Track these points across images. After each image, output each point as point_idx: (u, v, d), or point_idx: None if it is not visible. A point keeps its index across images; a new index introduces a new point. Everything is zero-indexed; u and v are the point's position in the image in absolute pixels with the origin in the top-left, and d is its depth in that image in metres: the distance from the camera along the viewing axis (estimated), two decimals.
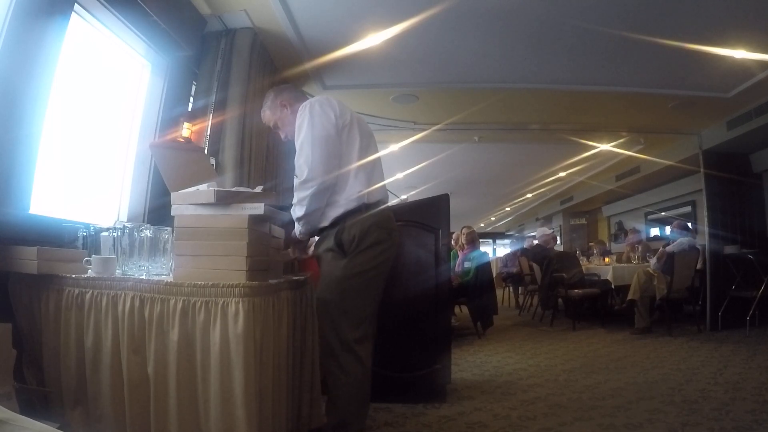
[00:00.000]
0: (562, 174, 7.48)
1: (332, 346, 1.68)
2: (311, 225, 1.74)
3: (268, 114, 1.93)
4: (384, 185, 1.89)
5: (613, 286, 5.22)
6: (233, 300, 1.31)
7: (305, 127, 1.67)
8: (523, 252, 7.45)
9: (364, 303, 1.72)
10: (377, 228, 1.71)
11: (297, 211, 1.71)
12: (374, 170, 1.88)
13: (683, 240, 4.90)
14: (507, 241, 17.79)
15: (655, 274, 4.72)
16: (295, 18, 2.91)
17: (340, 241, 1.70)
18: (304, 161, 1.65)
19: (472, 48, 3.33)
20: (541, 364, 3.49)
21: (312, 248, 1.94)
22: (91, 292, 1.42)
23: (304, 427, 1.84)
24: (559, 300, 5.80)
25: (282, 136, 1.94)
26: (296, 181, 1.68)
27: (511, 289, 8.21)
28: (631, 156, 6.10)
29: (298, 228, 1.76)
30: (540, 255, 6.06)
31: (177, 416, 1.31)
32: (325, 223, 1.74)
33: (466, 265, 5.20)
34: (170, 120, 2.53)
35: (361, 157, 1.78)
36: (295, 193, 1.69)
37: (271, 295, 1.48)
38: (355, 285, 1.69)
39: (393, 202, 3.37)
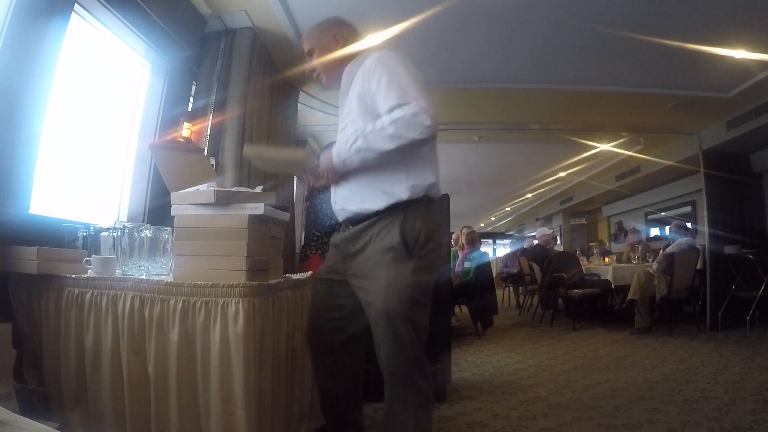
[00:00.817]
0: (562, 174, 7.48)
1: (408, 365, 1.34)
2: (368, 164, 1.36)
3: (315, 36, 1.65)
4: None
5: (613, 286, 5.22)
6: (233, 300, 1.31)
7: (401, 69, 1.38)
8: (523, 252, 7.45)
9: (426, 315, 1.39)
10: (440, 229, 1.43)
11: (382, 140, 1.31)
12: (437, 160, 1.51)
13: (682, 240, 4.90)
14: (507, 241, 17.77)
15: (655, 274, 4.72)
16: (295, 18, 2.91)
17: (405, 236, 1.34)
18: (412, 93, 1.32)
19: (472, 48, 3.33)
20: (541, 364, 3.49)
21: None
22: (91, 292, 1.42)
23: (304, 428, 1.83)
24: (559, 300, 5.80)
25: (313, 75, 1.63)
26: (395, 108, 1.31)
27: (511, 289, 8.20)
28: (631, 156, 6.10)
29: (349, 156, 1.36)
30: (540, 255, 6.06)
31: (177, 416, 1.31)
32: (379, 204, 1.37)
33: (466, 265, 5.20)
34: (170, 120, 2.53)
35: None
36: (389, 116, 1.31)
37: (271, 295, 1.48)
38: (422, 294, 1.37)
39: None
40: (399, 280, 1.31)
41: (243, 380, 1.28)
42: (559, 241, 10.26)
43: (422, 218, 1.37)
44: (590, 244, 8.69)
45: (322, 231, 2.81)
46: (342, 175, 1.42)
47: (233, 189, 1.53)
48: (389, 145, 1.31)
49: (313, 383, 1.93)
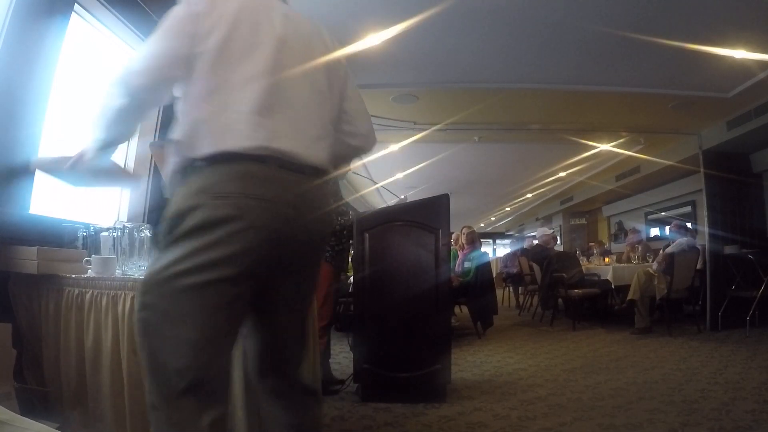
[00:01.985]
0: (562, 174, 7.48)
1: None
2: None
3: None
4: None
5: (613, 286, 5.22)
6: None
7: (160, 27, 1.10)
8: (523, 252, 7.45)
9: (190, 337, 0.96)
10: (204, 203, 0.94)
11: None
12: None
13: (682, 240, 4.90)
14: (507, 241, 17.79)
15: (655, 274, 4.72)
16: None
17: (165, 221, 1.09)
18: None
19: (472, 48, 3.34)
20: (541, 364, 3.49)
21: None
22: (91, 292, 1.42)
23: None
24: (559, 300, 5.80)
25: None
26: None
27: (511, 289, 8.21)
28: (631, 156, 6.10)
29: None
30: (540, 255, 6.06)
31: None
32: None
33: (466, 265, 5.20)
34: (170, 119, 2.53)
35: None
36: None
37: None
38: (166, 301, 1.01)
39: (392, 201, 3.37)
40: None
41: (243, 380, 1.27)
42: (559, 241, 10.26)
43: (181, 192, 0.98)
44: (590, 244, 8.69)
45: None
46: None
47: None
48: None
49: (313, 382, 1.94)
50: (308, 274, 1.13)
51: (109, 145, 1.09)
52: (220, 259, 0.90)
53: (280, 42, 1.05)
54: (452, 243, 5.72)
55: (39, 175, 1.65)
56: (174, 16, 1.02)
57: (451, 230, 4.92)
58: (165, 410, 0.88)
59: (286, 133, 1.00)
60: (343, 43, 3.20)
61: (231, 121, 0.96)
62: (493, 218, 14.76)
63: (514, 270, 7.67)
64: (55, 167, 1.20)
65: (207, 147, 0.95)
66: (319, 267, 1.21)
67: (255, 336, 1.09)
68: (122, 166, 1.25)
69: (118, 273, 1.52)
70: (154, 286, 0.93)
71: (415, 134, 5.06)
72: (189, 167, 0.99)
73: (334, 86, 1.16)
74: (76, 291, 1.43)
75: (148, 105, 1.10)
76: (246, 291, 0.96)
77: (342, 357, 3.66)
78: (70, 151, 1.14)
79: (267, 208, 0.94)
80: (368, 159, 5.93)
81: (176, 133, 1.02)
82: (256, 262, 0.95)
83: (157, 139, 2.43)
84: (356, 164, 3.25)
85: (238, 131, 0.95)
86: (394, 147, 5.55)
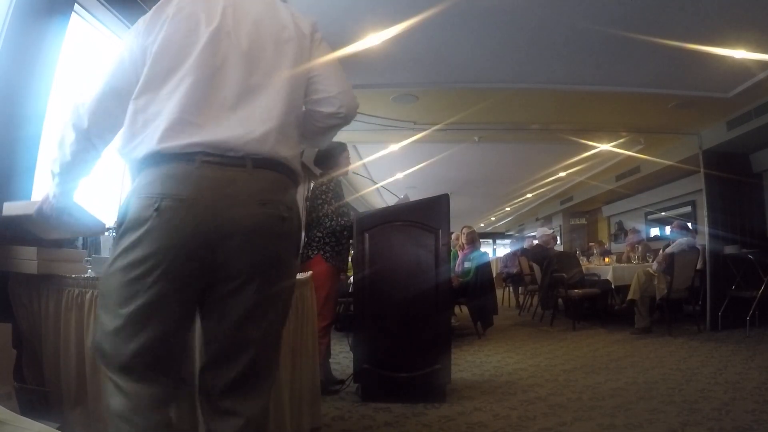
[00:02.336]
0: (562, 174, 7.48)
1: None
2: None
3: None
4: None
5: (613, 286, 5.22)
6: None
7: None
8: (523, 252, 7.46)
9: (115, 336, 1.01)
10: (138, 201, 0.97)
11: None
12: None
13: (682, 240, 4.90)
14: (507, 241, 17.79)
15: (655, 274, 4.72)
16: None
17: None
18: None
19: (472, 48, 3.33)
20: (541, 364, 3.49)
21: None
22: (91, 292, 1.42)
23: (304, 427, 1.83)
24: (559, 300, 5.80)
25: None
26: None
27: (511, 289, 8.21)
28: (631, 156, 6.10)
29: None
30: (540, 255, 6.06)
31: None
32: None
33: (466, 265, 5.20)
34: None
35: None
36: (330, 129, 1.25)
37: None
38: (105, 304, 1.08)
39: (392, 201, 3.37)
40: None
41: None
42: (559, 241, 10.27)
43: (126, 195, 1.02)
44: (590, 244, 8.69)
45: (324, 232, 2.81)
46: None
47: None
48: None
49: (313, 383, 1.94)
50: (266, 281, 1.01)
51: (68, 178, 1.11)
52: (140, 259, 0.94)
53: (215, 35, 1.03)
54: (453, 242, 5.72)
55: (39, 175, 1.65)
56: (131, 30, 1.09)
57: (451, 230, 4.93)
58: (108, 382, 0.97)
59: (216, 127, 0.98)
60: (343, 43, 3.22)
61: (159, 122, 0.97)
62: (493, 218, 14.76)
63: (514, 270, 7.67)
64: (23, 211, 1.25)
65: (139, 150, 0.98)
66: (286, 274, 1.07)
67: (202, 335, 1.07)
68: (88, 211, 1.25)
69: None
70: (102, 278, 1.03)
71: (415, 134, 5.06)
72: (132, 171, 1.02)
73: (291, 60, 1.09)
74: (76, 291, 1.43)
75: (98, 128, 1.06)
76: (174, 290, 0.95)
77: (342, 357, 3.66)
78: (38, 195, 1.17)
79: (183, 208, 0.93)
80: (368, 159, 5.94)
81: (120, 139, 1.04)
82: (179, 261, 0.94)
83: None
84: (356, 164, 3.24)
85: (164, 132, 0.96)
86: (394, 147, 5.55)
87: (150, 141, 0.96)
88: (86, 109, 1.04)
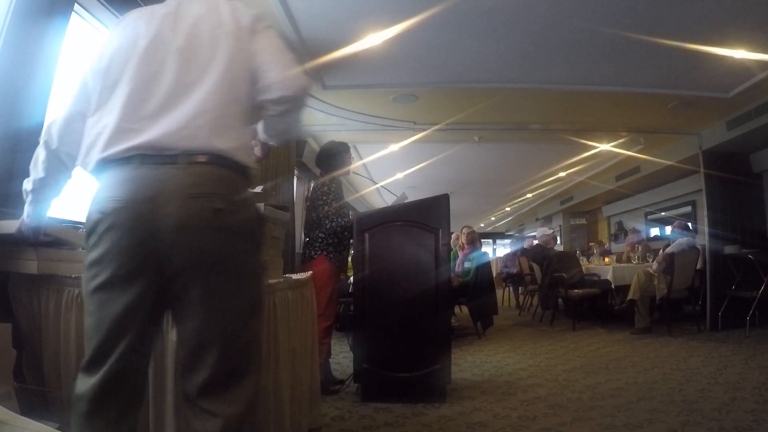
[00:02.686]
0: (562, 174, 7.48)
1: None
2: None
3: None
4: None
5: (613, 286, 5.22)
6: None
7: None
8: (523, 252, 7.46)
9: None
10: (93, 212, 1.05)
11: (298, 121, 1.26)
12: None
13: (682, 240, 4.90)
14: (507, 241, 17.79)
15: (655, 274, 4.73)
16: (295, 18, 2.91)
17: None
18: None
19: (472, 48, 3.33)
20: (541, 364, 3.49)
21: None
22: None
23: (304, 427, 1.83)
24: (559, 300, 5.81)
25: None
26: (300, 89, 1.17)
27: (511, 289, 8.21)
28: (631, 156, 6.10)
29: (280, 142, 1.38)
30: (540, 255, 6.06)
31: (175, 416, 1.31)
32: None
33: (466, 265, 5.20)
34: None
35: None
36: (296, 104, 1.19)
37: (271, 295, 1.48)
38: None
39: (392, 201, 3.38)
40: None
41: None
42: (559, 241, 10.27)
43: None
44: (590, 244, 8.70)
45: (326, 232, 2.81)
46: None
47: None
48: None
49: (313, 383, 1.94)
50: (210, 276, 1.01)
51: (41, 197, 1.19)
52: (95, 261, 1.00)
53: (151, 43, 1.08)
54: (453, 243, 5.72)
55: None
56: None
57: (451, 230, 4.94)
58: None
59: (152, 129, 1.01)
60: (343, 43, 3.22)
61: (104, 133, 1.03)
62: (493, 218, 14.76)
63: (514, 270, 7.67)
64: (7, 230, 1.31)
65: (91, 161, 1.04)
66: (236, 268, 1.05)
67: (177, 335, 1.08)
68: (68, 225, 1.30)
69: None
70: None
71: (415, 134, 5.06)
72: (93, 182, 1.08)
73: (227, 53, 1.10)
74: (76, 291, 1.42)
75: (67, 147, 1.13)
76: (131, 290, 0.99)
77: (342, 357, 3.67)
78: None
79: (124, 207, 0.98)
80: (368, 159, 5.94)
81: (80, 154, 1.10)
82: (129, 260, 0.98)
83: None
84: (356, 164, 3.24)
85: (107, 141, 1.02)
86: (394, 147, 5.55)
87: (97, 151, 1.02)
88: (56, 129, 1.12)
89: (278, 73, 1.13)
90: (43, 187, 1.16)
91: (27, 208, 1.20)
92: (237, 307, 1.05)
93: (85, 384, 1.01)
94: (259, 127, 1.27)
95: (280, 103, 1.13)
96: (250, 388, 1.06)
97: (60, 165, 1.14)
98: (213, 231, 1.00)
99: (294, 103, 1.15)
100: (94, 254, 1.00)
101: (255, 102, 1.15)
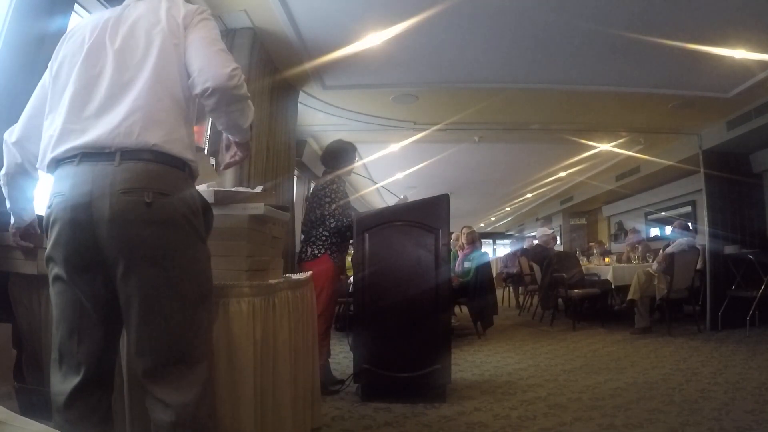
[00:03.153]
0: (562, 174, 7.48)
1: None
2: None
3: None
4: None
5: (613, 286, 5.22)
6: (233, 300, 1.31)
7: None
8: (523, 252, 7.46)
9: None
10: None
11: (242, 114, 1.23)
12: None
13: (682, 240, 4.90)
14: (507, 241, 17.79)
15: (655, 274, 4.72)
16: (295, 18, 2.91)
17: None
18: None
19: (472, 48, 3.33)
20: (541, 364, 3.49)
21: None
22: None
23: (304, 427, 1.83)
24: (559, 300, 5.80)
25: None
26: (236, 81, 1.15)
27: (511, 289, 8.21)
28: (631, 156, 6.10)
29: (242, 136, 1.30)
30: (540, 255, 6.06)
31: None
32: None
33: (466, 265, 5.20)
34: None
35: None
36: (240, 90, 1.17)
37: (271, 295, 1.48)
38: None
39: (392, 201, 3.37)
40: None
41: (243, 380, 1.28)
42: (559, 241, 10.26)
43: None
44: (590, 244, 8.69)
45: (330, 231, 2.80)
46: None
47: (233, 189, 1.54)
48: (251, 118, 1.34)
49: (314, 383, 1.94)
50: (143, 267, 1.05)
51: (12, 193, 1.26)
52: (49, 254, 1.08)
53: (92, 46, 1.13)
54: (453, 243, 5.72)
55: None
56: None
57: (451, 230, 4.94)
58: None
59: (92, 129, 1.07)
60: (344, 43, 3.22)
61: (53, 135, 1.09)
62: (493, 218, 14.76)
63: (514, 270, 7.67)
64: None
65: (45, 162, 1.11)
66: (170, 260, 1.07)
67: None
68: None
69: None
70: None
71: (415, 134, 5.06)
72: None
73: (158, 49, 1.12)
74: None
75: (27, 140, 1.21)
76: (82, 281, 1.06)
77: (342, 357, 3.67)
78: None
79: (65, 201, 1.04)
80: (368, 159, 5.94)
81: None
82: (74, 252, 1.05)
83: None
84: (356, 164, 3.25)
85: (55, 142, 1.08)
86: (394, 147, 5.55)
87: (49, 152, 1.10)
88: (18, 125, 1.22)
89: (201, 66, 1.14)
90: (9, 181, 1.24)
91: (8, 207, 1.30)
92: (176, 297, 1.08)
93: (59, 380, 1.08)
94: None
95: (208, 96, 1.14)
96: (198, 377, 1.09)
97: (23, 159, 1.21)
98: (144, 224, 1.04)
99: (222, 94, 1.14)
100: (48, 247, 1.08)
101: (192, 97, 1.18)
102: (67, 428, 1.05)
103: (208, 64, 1.14)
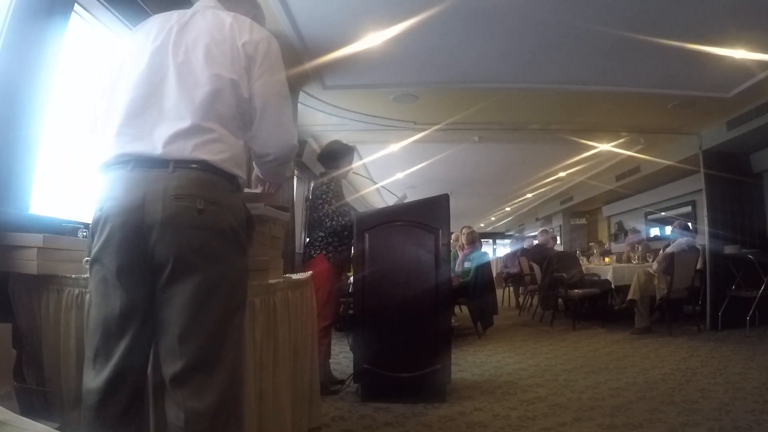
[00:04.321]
0: (562, 174, 7.48)
1: None
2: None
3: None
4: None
5: (613, 286, 5.22)
6: None
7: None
8: (523, 252, 7.46)
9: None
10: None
11: (287, 168, 1.38)
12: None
13: (682, 240, 4.90)
14: (507, 241, 17.79)
15: (655, 274, 4.73)
16: (295, 18, 2.91)
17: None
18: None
19: (472, 48, 3.33)
20: (541, 364, 3.49)
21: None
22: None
23: (304, 427, 1.83)
24: (559, 300, 5.80)
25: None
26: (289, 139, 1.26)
27: (511, 289, 8.21)
28: (631, 156, 6.10)
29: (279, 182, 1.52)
30: (540, 255, 6.06)
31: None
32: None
33: (466, 265, 5.20)
34: None
35: None
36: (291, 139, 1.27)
37: (271, 295, 1.48)
38: None
39: (392, 201, 3.38)
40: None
41: (245, 380, 1.27)
42: (559, 241, 10.27)
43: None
44: (590, 244, 8.69)
45: (326, 231, 2.81)
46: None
47: (269, 192, 1.53)
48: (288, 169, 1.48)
49: (313, 383, 1.93)
50: (190, 272, 1.06)
51: None
52: (97, 254, 1.09)
53: (155, 53, 1.15)
54: (452, 244, 5.72)
55: (38, 177, 1.65)
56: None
57: (451, 230, 4.94)
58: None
59: (147, 137, 1.09)
60: (344, 43, 3.22)
61: (106, 135, 1.12)
62: (493, 218, 14.76)
63: (514, 270, 7.67)
64: None
65: (97, 163, 1.14)
66: (216, 266, 1.09)
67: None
68: None
69: None
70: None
71: (415, 134, 5.06)
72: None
73: (219, 72, 1.14)
74: (76, 291, 1.42)
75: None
76: (128, 284, 1.07)
77: (342, 357, 3.67)
78: None
79: (118, 205, 1.06)
80: (368, 159, 5.94)
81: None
82: (123, 254, 1.06)
83: None
84: (356, 164, 3.25)
85: (109, 143, 1.11)
86: (394, 147, 5.55)
87: (102, 154, 1.12)
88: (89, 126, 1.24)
89: (269, 135, 1.23)
90: None
91: None
92: (214, 304, 1.09)
93: (92, 377, 1.08)
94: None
95: (268, 161, 1.25)
96: (219, 385, 1.08)
97: None
98: (194, 229, 1.06)
99: (283, 161, 1.26)
100: (96, 249, 1.08)
101: (250, 121, 1.22)
102: (97, 427, 1.05)
103: (279, 135, 1.24)
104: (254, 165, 1.36)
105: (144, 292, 1.08)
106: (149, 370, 1.18)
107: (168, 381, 1.07)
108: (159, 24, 1.20)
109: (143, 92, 1.12)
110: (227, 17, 1.21)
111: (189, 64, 1.14)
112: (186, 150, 1.08)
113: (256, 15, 1.36)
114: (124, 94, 1.13)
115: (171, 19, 1.20)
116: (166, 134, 1.08)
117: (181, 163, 1.07)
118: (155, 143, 1.08)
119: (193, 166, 1.08)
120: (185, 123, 1.09)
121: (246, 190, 1.52)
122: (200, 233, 1.07)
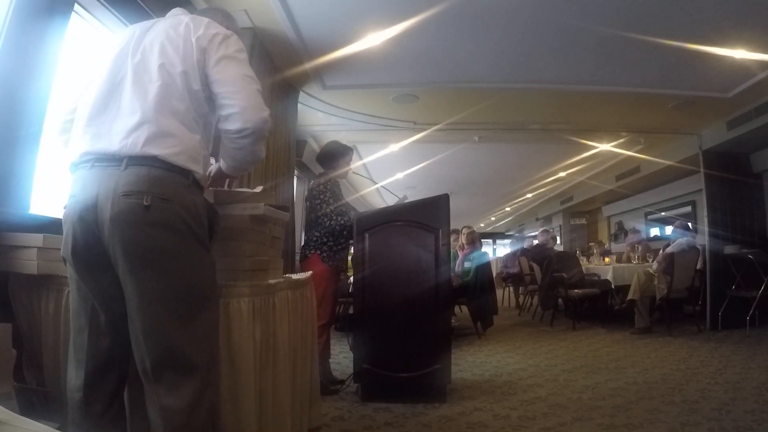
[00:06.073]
0: (562, 174, 7.48)
1: None
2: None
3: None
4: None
5: (613, 286, 5.22)
6: (233, 300, 1.31)
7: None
8: (523, 252, 7.45)
9: None
10: None
11: (262, 149, 1.30)
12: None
13: (682, 240, 4.90)
14: (507, 241, 17.79)
15: (655, 274, 4.73)
16: (295, 18, 2.91)
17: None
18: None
19: (472, 48, 3.33)
20: (541, 364, 3.49)
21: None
22: None
23: (304, 427, 1.83)
24: (559, 300, 5.80)
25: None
26: (260, 114, 1.22)
27: (511, 289, 8.21)
28: (631, 156, 6.09)
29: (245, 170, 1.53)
30: (540, 255, 6.06)
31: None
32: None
33: (466, 265, 5.20)
34: None
35: None
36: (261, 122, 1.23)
37: (271, 295, 1.48)
38: None
39: (392, 201, 3.37)
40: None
41: (243, 380, 1.27)
42: (559, 241, 10.26)
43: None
44: (590, 244, 8.68)
45: (322, 231, 2.82)
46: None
47: (233, 189, 1.53)
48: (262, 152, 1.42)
49: (313, 383, 1.93)
50: (142, 267, 1.07)
51: None
52: (63, 252, 1.15)
53: (116, 57, 1.21)
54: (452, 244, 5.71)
55: (38, 176, 1.65)
56: None
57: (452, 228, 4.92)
58: None
59: (105, 132, 1.13)
60: (344, 43, 3.22)
61: (74, 136, 1.19)
62: (493, 218, 14.76)
63: (514, 270, 7.67)
64: None
65: (68, 162, 1.19)
66: (168, 262, 1.09)
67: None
68: None
69: None
70: None
71: (415, 134, 5.06)
72: None
73: (171, 68, 1.18)
74: None
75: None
76: (93, 277, 1.13)
77: (342, 357, 3.67)
78: None
79: (76, 203, 1.11)
80: (368, 159, 5.94)
81: None
82: (85, 249, 1.11)
83: None
84: (356, 164, 3.25)
85: (76, 143, 1.17)
86: (394, 147, 5.55)
87: (70, 154, 1.18)
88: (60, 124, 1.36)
89: (242, 106, 1.20)
90: None
91: None
92: (170, 302, 1.08)
93: (74, 376, 1.14)
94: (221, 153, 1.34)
95: (243, 136, 1.21)
96: (193, 384, 1.08)
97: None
98: (142, 226, 1.07)
99: (257, 136, 1.23)
100: (62, 248, 1.15)
101: (206, 114, 1.23)
102: (82, 424, 1.08)
103: (250, 106, 1.21)
104: (222, 158, 1.33)
105: (108, 288, 1.12)
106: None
107: (142, 377, 1.10)
108: (128, 31, 1.27)
109: (104, 92, 1.17)
110: (185, 18, 1.26)
111: (145, 63, 1.18)
112: (137, 145, 1.10)
113: (229, 27, 1.37)
114: (89, 97, 1.19)
115: (138, 26, 1.27)
116: (122, 130, 1.12)
117: (133, 160, 1.10)
118: (113, 139, 1.12)
119: (145, 162, 1.10)
120: (136, 118, 1.12)
121: (240, 188, 1.53)
122: (148, 229, 1.07)
